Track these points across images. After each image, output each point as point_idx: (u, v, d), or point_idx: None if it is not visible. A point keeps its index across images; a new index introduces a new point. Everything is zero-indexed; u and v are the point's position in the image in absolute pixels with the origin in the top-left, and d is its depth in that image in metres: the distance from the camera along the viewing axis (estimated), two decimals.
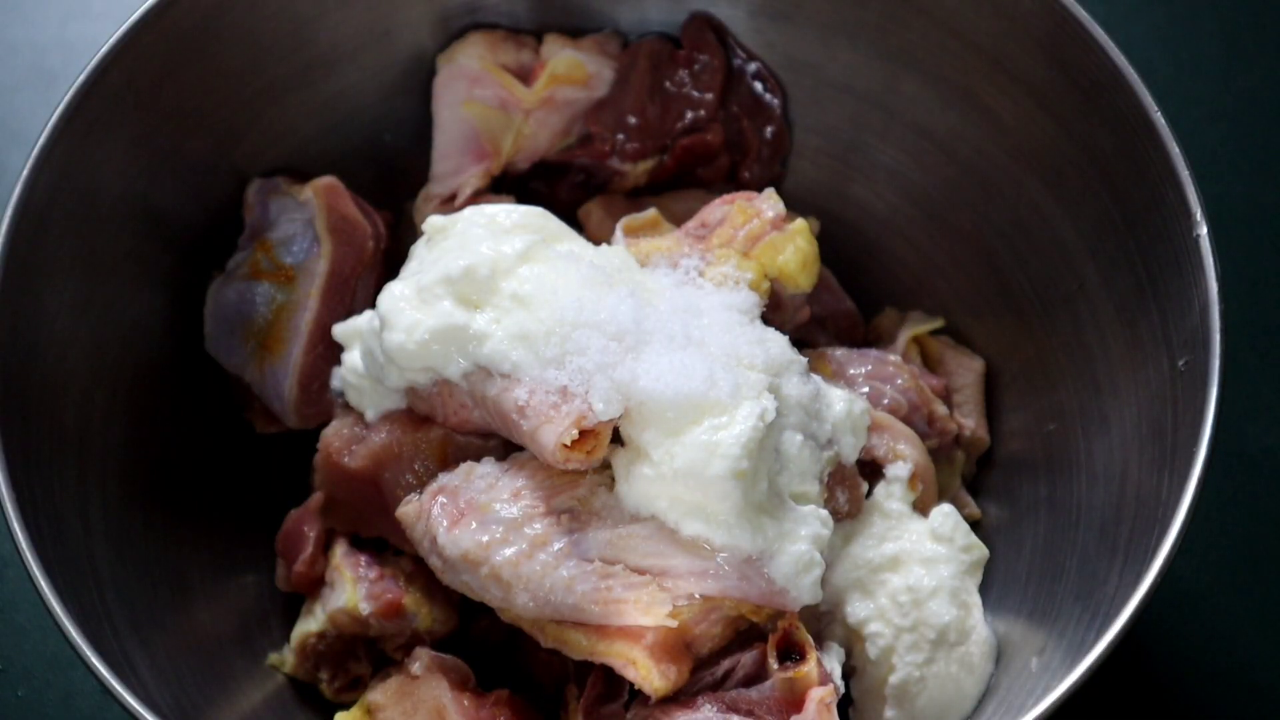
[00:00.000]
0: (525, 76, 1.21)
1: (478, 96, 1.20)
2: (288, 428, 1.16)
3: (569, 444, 0.96)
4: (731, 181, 1.26)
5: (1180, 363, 0.99)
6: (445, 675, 1.05)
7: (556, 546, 0.97)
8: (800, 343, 1.10)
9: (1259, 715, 1.22)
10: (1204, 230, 0.98)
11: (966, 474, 1.20)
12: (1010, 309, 1.18)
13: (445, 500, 1.01)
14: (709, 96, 1.22)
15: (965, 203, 1.19)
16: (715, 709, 0.97)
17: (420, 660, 1.06)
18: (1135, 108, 1.02)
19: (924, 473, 1.11)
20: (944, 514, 1.09)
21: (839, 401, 1.06)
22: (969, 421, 1.18)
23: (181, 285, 1.16)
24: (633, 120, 1.22)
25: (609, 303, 1.01)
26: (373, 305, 1.07)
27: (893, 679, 1.05)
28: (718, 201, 1.14)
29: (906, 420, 1.13)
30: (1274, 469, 1.30)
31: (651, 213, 1.16)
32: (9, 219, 1.01)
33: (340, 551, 1.12)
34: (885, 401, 1.13)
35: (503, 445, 1.07)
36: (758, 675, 0.98)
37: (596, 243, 1.12)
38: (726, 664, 0.99)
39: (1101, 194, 1.07)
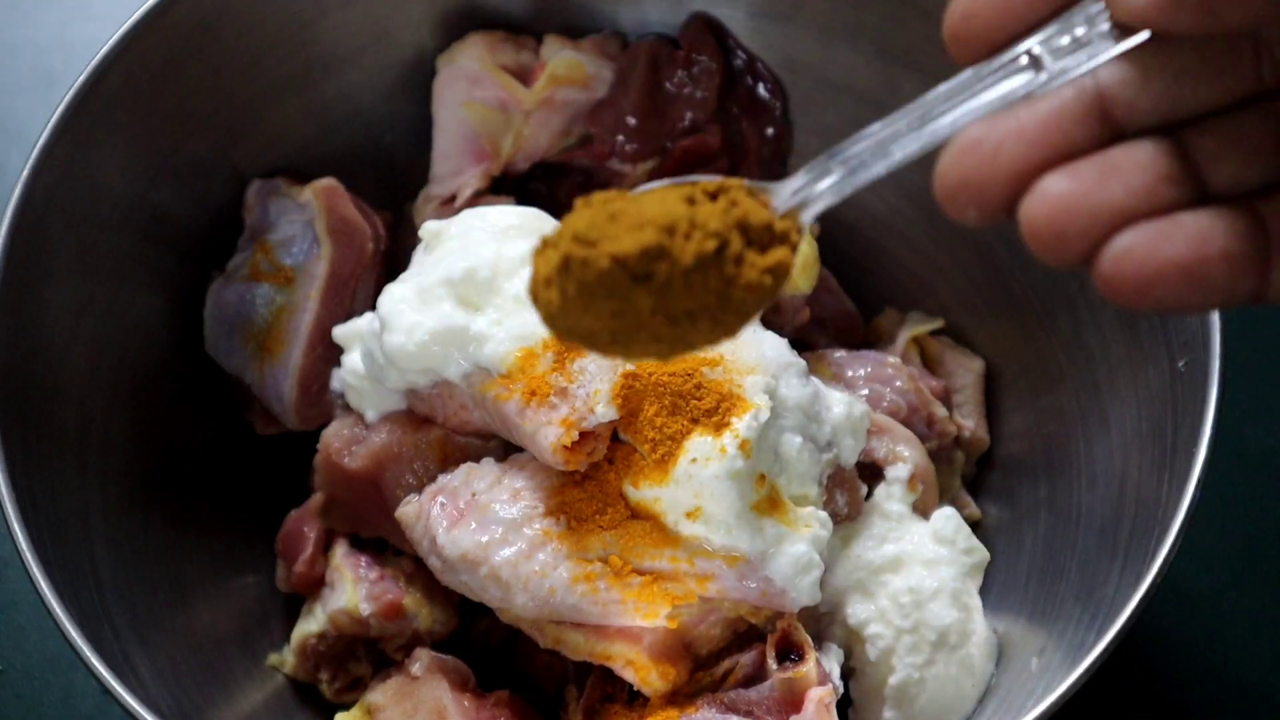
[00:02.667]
0: (525, 77, 1.21)
1: (477, 97, 1.19)
2: (288, 429, 1.16)
3: (569, 445, 0.96)
4: None
5: (1180, 363, 0.98)
6: (445, 676, 1.05)
7: (556, 547, 0.97)
8: (800, 344, 1.09)
9: (1259, 715, 1.21)
10: None
11: (966, 475, 1.20)
12: (1010, 309, 1.17)
13: (445, 501, 1.01)
14: (708, 97, 1.22)
15: None
16: (714, 709, 0.97)
17: (420, 661, 1.06)
18: None
19: (924, 474, 1.11)
20: (946, 516, 1.09)
21: (838, 404, 1.06)
22: (969, 422, 1.18)
23: (181, 286, 1.16)
24: (632, 121, 1.22)
25: None
26: (373, 307, 1.07)
27: (892, 680, 1.05)
28: None
29: (906, 422, 1.13)
30: (1274, 469, 1.30)
31: None
32: (9, 219, 1.01)
33: (340, 552, 1.12)
34: (885, 404, 1.13)
35: (503, 445, 1.07)
36: (757, 676, 0.98)
37: None
38: (725, 665, 0.99)
39: None
